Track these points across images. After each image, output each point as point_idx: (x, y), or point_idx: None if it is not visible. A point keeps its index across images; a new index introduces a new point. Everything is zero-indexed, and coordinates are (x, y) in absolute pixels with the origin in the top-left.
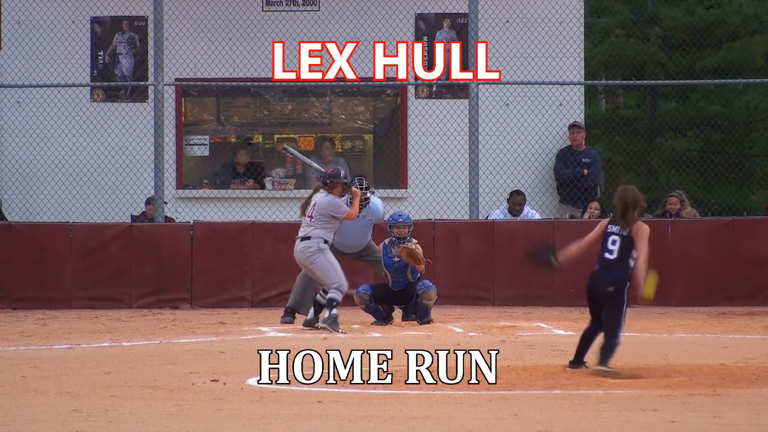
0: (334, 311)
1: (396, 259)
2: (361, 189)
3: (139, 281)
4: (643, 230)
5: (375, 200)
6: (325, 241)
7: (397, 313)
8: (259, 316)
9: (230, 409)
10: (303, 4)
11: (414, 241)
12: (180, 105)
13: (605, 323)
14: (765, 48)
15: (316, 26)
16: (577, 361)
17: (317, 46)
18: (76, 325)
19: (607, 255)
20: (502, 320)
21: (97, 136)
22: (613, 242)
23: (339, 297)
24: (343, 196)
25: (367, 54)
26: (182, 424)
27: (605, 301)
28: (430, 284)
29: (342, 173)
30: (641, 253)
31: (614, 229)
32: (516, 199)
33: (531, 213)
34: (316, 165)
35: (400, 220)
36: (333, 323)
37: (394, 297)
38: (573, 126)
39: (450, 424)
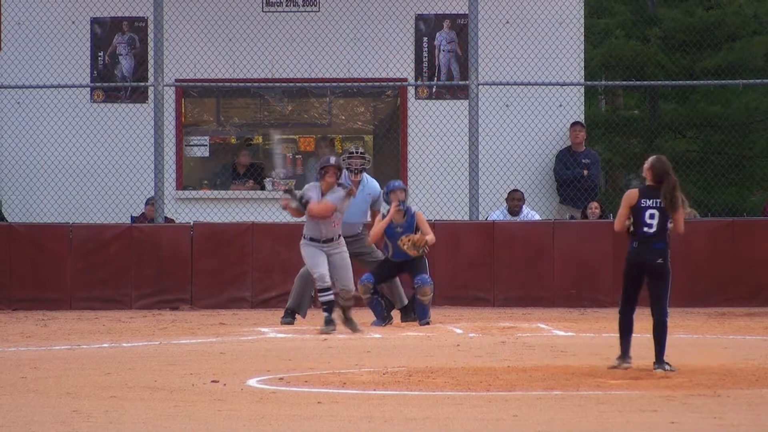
0: (327, 315)
1: (399, 229)
2: (356, 155)
3: (139, 282)
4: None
5: (370, 178)
6: (303, 236)
7: (396, 313)
8: (259, 316)
9: (230, 409)
10: (303, 5)
11: (413, 210)
12: (180, 106)
13: (657, 296)
14: (765, 48)
15: (316, 26)
16: (626, 355)
17: (317, 46)
18: (76, 326)
19: (646, 229)
20: (502, 321)
21: (97, 137)
22: (651, 216)
23: (329, 296)
24: (344, 186)
25: (367, 54)
26: (182, 425)
27: (657, 274)
28: (428, 279)
29: (332, 159)
30: (680, 220)
31: (649, 202)
32: (515, 195)
33: (531, 214)
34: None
35: (395, 185)
36: (330, 325)
37: (395, 269)
38: (575, 124)
39: (450, 425)
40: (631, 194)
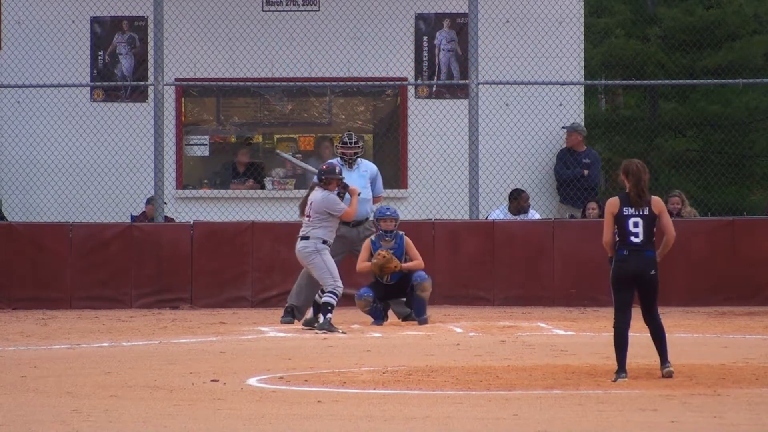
0: (329, 315)
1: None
2: (350, 143)
3: (139, 281)
4: (661, 203)
5: (364, 160)
6: (324, 242)
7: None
8: (259, 316)
9: (230, 409)
10: (303, 4)
11: (402, 234)
12: (180, 105)
13: (651, 305)
14: (765, 48)
15: (316, 26)
16: (622, 370)
17: (317, 46)
18: (76, 325)
19: (633, 239)
20: (502, 320)
21: (97, 136)
22: (635, 224)
23: (334, 301)
24: (341, 196)
25: (367, 53)
26: (182, 424)
27: (650, 286)
28: (425, 275)
29: (337, 169)
30: (669, 225)
31: (631, 210)
32: (524, 196)
33: (531, 213)
34: (310, 168)
35: (387, 213)
36: (328, 327)
37: (388, 291)
38: (570, 130)
39: (450, 424)
40: (612, 202)
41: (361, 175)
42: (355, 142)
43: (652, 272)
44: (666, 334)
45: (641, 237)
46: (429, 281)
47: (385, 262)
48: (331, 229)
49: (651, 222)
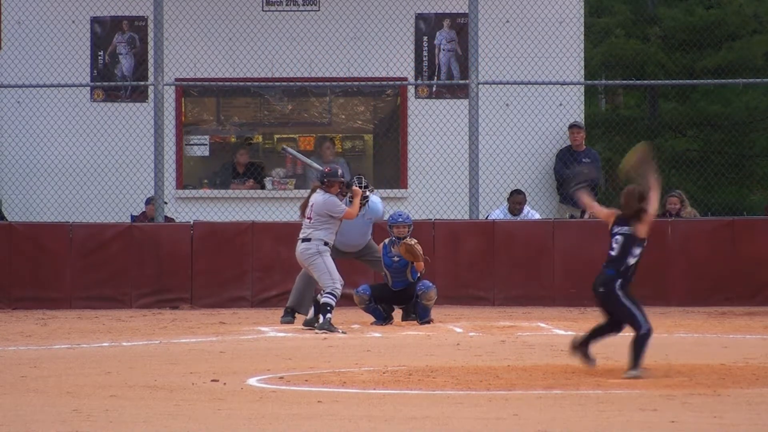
0: (329, 315)
1: (396, 258)
2: (360, 188)
3: (139, 281)
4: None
5: (374, 199)
6: (325, 243)
7: (398, 313)
8: (259, 316)
9: (230, 409)
10: (303, 4)
11: (414, 241)
12: (180, 105)
13: (624, 322)
14: (765, 48)
15: (316, 26)
16: (582, 344)
17: (317, 46)
18: (76, 325)
19: (610, 252)
20: (502, 320)
21: (97, 136)
22: (617, 241)
23: (332, 302)
24: (343, 195)
25: (367, 53)
26: (182, 424)
27: (603, 303)
28: (430, 284)
29: (340, 171)
30: (643, 227)
31: (619, 229)
32: (516, 198)
33: (531, 213)
34: (315, 165)
35: (400, 219)
36: (328, 327)
37: (394, 297)
38: (573, 126)
39: (450, 424)
40: (612, 215)
41: (365, 223)
42: (366, 186)
43: (600, 290)
44: (643, 347)
45: (615, 252)
46: (434, 290)
47: (410, 248)
48: (332, 230)
49: (631, 241)
